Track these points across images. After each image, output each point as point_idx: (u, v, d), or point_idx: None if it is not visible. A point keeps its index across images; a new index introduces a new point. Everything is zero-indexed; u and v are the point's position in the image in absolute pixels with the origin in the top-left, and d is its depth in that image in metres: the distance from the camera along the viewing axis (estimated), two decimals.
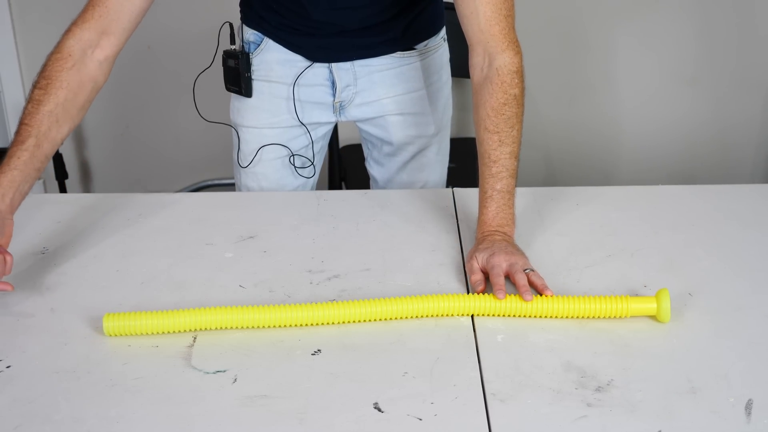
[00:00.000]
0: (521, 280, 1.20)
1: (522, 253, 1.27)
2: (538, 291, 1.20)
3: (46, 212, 1.47)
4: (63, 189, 2.79)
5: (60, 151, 2.75)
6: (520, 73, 1.34)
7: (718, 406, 1.01)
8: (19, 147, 1.26)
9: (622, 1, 2.68)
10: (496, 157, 1.32)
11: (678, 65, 2.77)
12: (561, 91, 2.80)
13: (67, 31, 1.33)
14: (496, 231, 1.30)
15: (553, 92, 2.79)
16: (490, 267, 1.23)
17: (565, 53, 2.75)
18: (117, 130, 2.87)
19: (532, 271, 1.22)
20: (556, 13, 2.68)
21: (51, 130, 1.28)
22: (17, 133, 1.27)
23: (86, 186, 2.98)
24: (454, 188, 1.55)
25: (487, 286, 1.24)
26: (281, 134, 1.62)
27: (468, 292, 1.24)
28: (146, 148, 2.91)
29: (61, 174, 2.76)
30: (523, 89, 1.34)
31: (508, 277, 1.22)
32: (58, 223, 1.44)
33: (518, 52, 1.34)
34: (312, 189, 1.72)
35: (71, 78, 1.31)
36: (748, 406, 1.01)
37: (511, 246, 1.28)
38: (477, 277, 1.24)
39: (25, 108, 1.29)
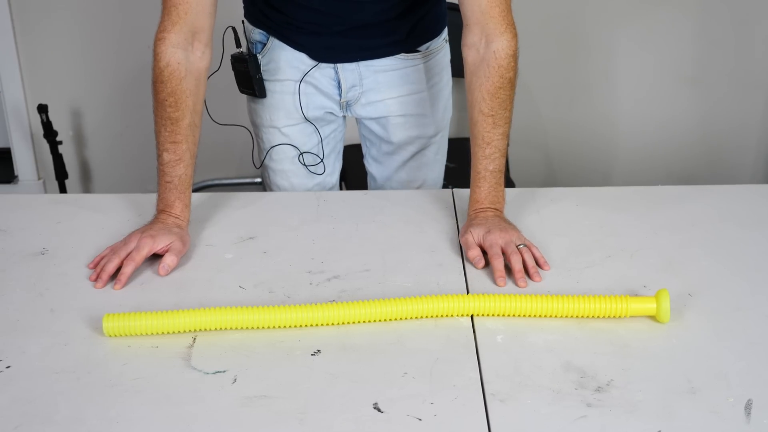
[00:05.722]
0: (516, 264, 1.25)
1: (514, 227, 1.32)
2: (529, 275, 1.24)
3: (46, 212, 1.47)
4: (63, 189, 2.79)
5: (60, 151, 2.75)
6: (516, 57, 1.36)
7: (718, 406, 1.01)
8: (180, 164, 1.35)
9: (623, 1, 2.68)
10: (490, 138, 1.36)
11: (678, 65, 2.77)
12: (561, 91, 2.80)
13: (159, 41, 1.34)
14: (488, 208, 1.36)
15: (553, 92, 2.79)
16: (488, 245, 1.28)
17: (565, 53, 2.75)
18: (117, 130, 2.87)
19: (525, 246, 1.27)
20: (556, 13, 2.68)
21: (195, 137, 1.38)
22: (168, 150, 1.35)
23: (86, 186, 2.98)
24: (454, 189, 1.55)
25: (487, 287, 1.24)
26: (301, 131, 1.62)
27: (468, 293, 1.24)
28: (146, 148, 2.88)
29: (61, 174, 2.76)
30: (516, 72, 1.37)
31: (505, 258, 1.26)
32: (58, 223, 1.44)
33: (515, 35, 1.36)
34: (334, 187, 1.73)
35: (190, 84, 1.35)
36: (748, 406, 1.01)
37: (504, 221, 1.33)
38: (475, 252, 1.28)
39: (163, 127, 1.35)
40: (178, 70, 1.34)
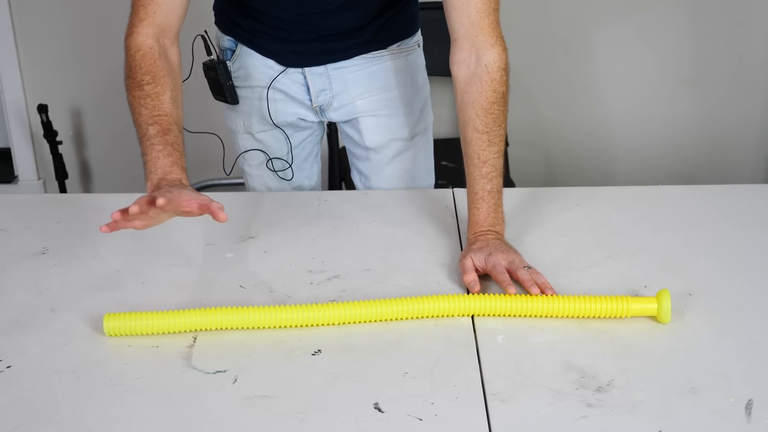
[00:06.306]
0: (524, 275, 1.20)
1: (516, 251, 1.28)
2: (540, 290, 1.20)
3: (46, 212, 1.47)
4: (63, 189, 2.80)
5: (60, 151, 2.75)
6: (507, 70, 1.33)
7: (718, 406, 1.01)
8: (169, 134, 1.26)
9: (622, 1, 2.68)
10: (486, 157, 1.31)
11: (678, 65, 2.77)
12: (561, 91, 2.80)
13: (128, 36, 1.32)
14: (488, 231, 1.30)
15: (553, 92, 2.79)
16: (491, 266, 1.23)
17: (565, 54, 2.75)
18: (117, 130, 2.87)
19: (531, 268, 1.23)
20: (556, 14, 2.68)
21: (178, 113, 1.31)
22: (153, 124, 1.28)
23: (86, 186, 2.98)
24: (454, 188, 1.55)
25: (486, 287, 1.24)
26: (274, 136, 1.62)
27: (468, 293, 1.24)
28: None
29: (61, 174, 2.76)
30: (508, 86, 1.33)
31: (510, 275, 1.22)
32: (58, 223, 1.44)
33: (505, 48, 1.33)
34: (314, 190, 1.72)
35: (165, 64, 1.32)
36: (748, 406, 1.01)
37: (505, 245, 1.28)
38: (471, 277, 1.23)
39: (143, 107, 1.29)
40: (151, 52, 1.31)
